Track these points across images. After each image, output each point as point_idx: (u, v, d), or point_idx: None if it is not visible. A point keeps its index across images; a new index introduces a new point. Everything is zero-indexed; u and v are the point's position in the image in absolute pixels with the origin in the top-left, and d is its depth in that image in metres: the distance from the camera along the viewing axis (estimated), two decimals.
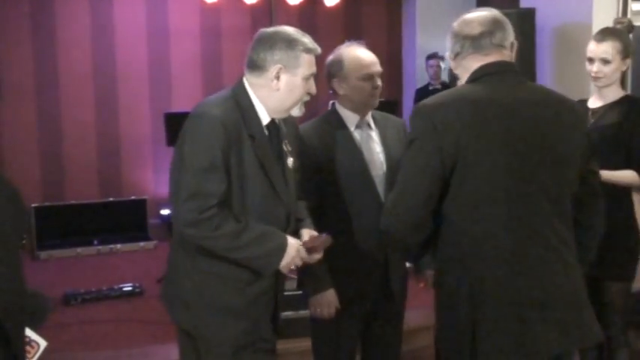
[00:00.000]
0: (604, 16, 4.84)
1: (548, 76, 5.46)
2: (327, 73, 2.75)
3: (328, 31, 7.67)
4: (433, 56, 7.17)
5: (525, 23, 5.42)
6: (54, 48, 6.82)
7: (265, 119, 2.33)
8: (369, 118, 2.80)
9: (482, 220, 1.98)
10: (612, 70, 3.04)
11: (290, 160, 2.42)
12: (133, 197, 6.87)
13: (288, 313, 3.91)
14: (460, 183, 1.98)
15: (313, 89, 2.35)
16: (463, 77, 2.18)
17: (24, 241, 2.24)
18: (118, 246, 6.47)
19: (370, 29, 7.95)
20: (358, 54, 2.71)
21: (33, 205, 6.37)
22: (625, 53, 3.01)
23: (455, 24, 2.19)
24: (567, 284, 2.04)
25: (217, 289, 2.31)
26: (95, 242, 6.50)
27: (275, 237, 2.28)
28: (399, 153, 2.76)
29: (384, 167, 2.76)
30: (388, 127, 2.86)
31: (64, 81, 6.87)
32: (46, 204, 6.55)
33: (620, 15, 4.78)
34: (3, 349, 1.70)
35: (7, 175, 6.01)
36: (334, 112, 2.80)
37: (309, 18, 7.55)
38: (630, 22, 3.49)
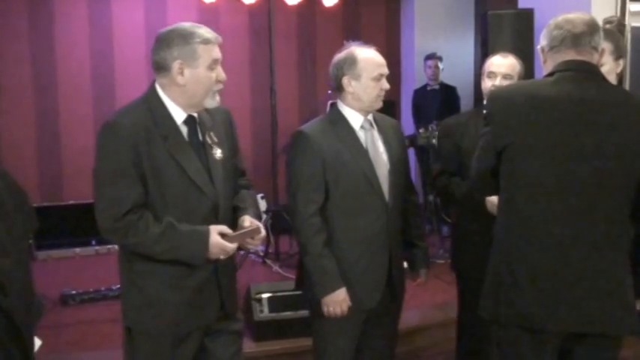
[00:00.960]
0: (602, 16, 4.84)
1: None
2: (334, 71, 2.77)
3: (327, 31, 7.70)
4: (431, 56, 7.15)
5: (523, 24, 5.43)
6: (52, 47, 6.82)
7: (180, 117, 2.40)
8: (370, 118, 2.83)
9: (531, 206, 2.17)
10: (606, 72, 3.01)
11: (217, 152, 2.46)
12: None
13: (286, 314, 3.92)
14: (504, 168, 2.22)
15: (222, 76, 2.41)
16: (548, 70, 2.31)
17: (30, 241, 2.27)
18: (116, 246, 6.41)
19: (368, 29, 7.97)
20: (372, 54, 2.75)
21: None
22: (617, 53, 2.94)
23: (557, 19, 2.30)
24: (603, 275, 2.16)
25: (154, 286, 2.39)
26: (93, 242, 6.49)
27: (196, 233, 2.32)
28: (399, 153, 2.87)
29: (388, 166, 2.79)
30: (387, 128, 2.90)
31: (62, 80, 6.87)
32: (44, 204, 6.54)
33: (618, 15, 4.78)
34: (16, 346, 1.71)
35: None
36: (338, 112, 2.81)
37: (308, 18, 7.57)
38: (620, 20, 3.44)
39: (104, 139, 2.32)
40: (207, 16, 7.03)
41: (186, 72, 2.35)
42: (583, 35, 2.23)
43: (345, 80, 2.74)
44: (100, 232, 2.34)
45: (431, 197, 6.21)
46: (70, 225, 6.58)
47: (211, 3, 6.58)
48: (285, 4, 6.54)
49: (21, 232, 1.51)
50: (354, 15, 7.94)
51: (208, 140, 2.46)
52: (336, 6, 6.97)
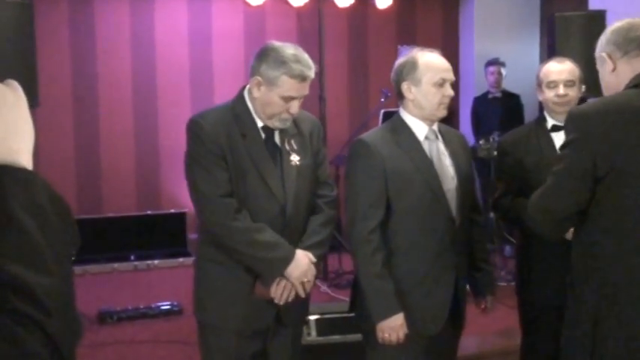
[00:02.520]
0: None
1: None
2: (395, 76, 2.77)
3: (379, 34, 7.68)
4: (494, 62, 7.11)
5: (594, 27, 5.31)
6: (93, 54, 6.97)
7: (260, 122, 2.67)
8: (435, 128, 2.81)
9: (626, 233, 2.08)
10: None
11: (295, 158, 2.69)
12: (172, 210, 6.96)
13: (336, 337, 3.89)
14: (607, 193, 2.09)
15: (293, 110, 2.61)
16: (619, 81, 2.22)
17: (73, 258, 2.34)
18: (156, 262, 6.53)
19: (425, 33, 7.95)
20: (434, 58, 2.74)
21: None
22: None
23: (618, 23, 2.27)
24: None
25: (219, 276, 2.69)
26: (132, 257, 6.58)
27: (282, 248, 2.62)
28: (466, 168, 2.83)
29: (455, 180, 2.76)
30: (452, 140, 2.86)
31: (103, 89, 7.01)
32: (82, 216, 6.65)
33: None
34: None
35: None
36: (400, 121, 2.79)
37: (360, 21, 7.58)
38: None
39: (190, 132, 2.64)
40: (254, 20, 7.10)
41: (262, 89, 2.60)
42: None
43: (404, 86, 2.73)
44: (200, 208, 2.63)
45: (492, 214, 6.11)
46: (108, 239, 6.69)
47: (258, 6, 6.64)
48: (336, 7, 6.56)
49: (65, 249, 1.51)
50: (409, 18, 7.92)
51: (287, 146, 2.69)
52: (389, 8, 6.96)
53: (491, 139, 5.91)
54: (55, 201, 1.40)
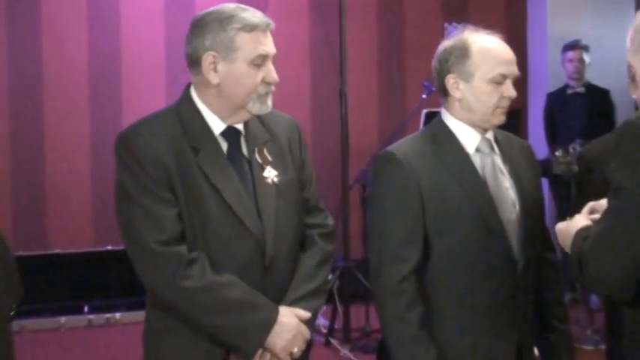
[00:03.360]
0: None
1: None
2: (437, 64, 2.75)
3: (420, 8, 7.71)
4: (573, 46, 7.11)
5: None
6: (37, 42, 7.00)
7: (218, 127, 2.58)
8: (491, 137, 2.79)
9: None
10: None
11: (271, 173, 2.60)
12: None
13: None
14: None
15: (272, 76, 2.53)
16: None
17: (13, 312, 2.39)
18: (117, 315, 6.51)
19: (480, 8, 7.99)
20: (492, 44, 2.70)
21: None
22: None
23: None
24: None
25: (174, 351, 2.58)
26: (86, 309, 6.56)
27: (260, 309, 2.53)
28: (532, 190, 2.80)
29: (517, 208, 2.73)
30: (514, 152, 2.84)
31: (49, 87, 7.05)
32: (21, 253, 6.56)
33: None
34: None
35: None
36: (442, 127, 2.78)
37: None
38: None
39: (120, 154, 2.54)
40: None
41: (221, 67, 2.49)
42: None
43: (450, 80, 2.71)
44: (138, 262, 2.53)
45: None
46: (55, 283, 6.65)
47: None
48: None
49: (4, 302, 1.52)
50: None
51: (258, 158, 2.59)
52: None
53: (571, 150, 5.87)
54: None
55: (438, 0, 7.82)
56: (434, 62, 2.76)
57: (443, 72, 2.72)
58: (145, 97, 7.11)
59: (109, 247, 6.85)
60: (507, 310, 2.68)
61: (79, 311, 6.54)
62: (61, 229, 7.00)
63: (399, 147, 2.74)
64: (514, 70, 2.70)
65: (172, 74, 7.23)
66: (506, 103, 2.69)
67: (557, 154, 6.00)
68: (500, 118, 2.71)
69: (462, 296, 2.66)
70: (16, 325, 6.15)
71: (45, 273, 6.63)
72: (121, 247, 7.14)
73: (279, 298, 2.60)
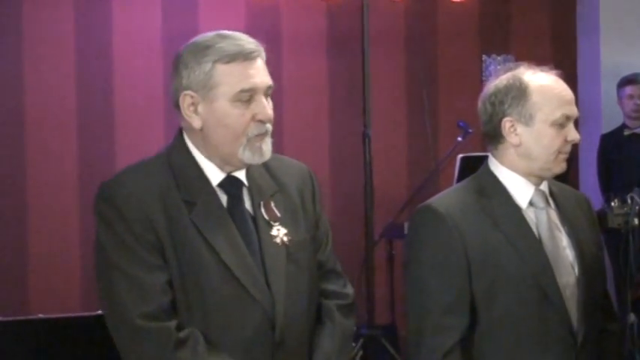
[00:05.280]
0: None
1: None
2: (489, 106, 2.77)
3: (455, 39, 7.72)
4: (633, 80, 7.12)
5: None
6: (18, 75, 6.99)
7: (216, 176, 2.54)
8: (545, 189, 2.82)
9: None
10: None
11: (279, 232, 2.54)
12: None
13: None
14: None
15: (264, 112, 2.47)
16: None
17: None
18: None
19: (523, 38, 8.05)
20: (552, 83, 2.74)
21: None
22: None
23: None
24: None
25: None
26: None
27: None
28: (593, 249, 2.85)
29: (576, 271, 2.74)
30: (570, 205, 2.87)
31: (32, 125, 7.02)
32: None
33: None
34: None
35: None
36: (490, 177, 2.80)
37: (424, 19, 7.69)
38: None
39: (101, 209, 2.51)
40: (262, 21, 7.11)
41: (201, 108, 2.48)
42: None
43: (506, 124, 2.73)
44: (120, 339, 2.51)
45: (632, 317, 5.99)
46: (37, 354, 6.63)
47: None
48: None
49: None
50: (499, 15, 8.01)
51: (264, 214, 2.55)
52: (470, 1, 6.95)
53: (629, 200, 5.82)
54: None
55: (475, 28, 7.84)
56: (482, 104, 2.79)
57: (497, 115, 2.74)
58: (140, 136, 7.11)
59: (100, 312, 6.79)
60: None
61: None
62: (45, 292, 6.98)
63: (442, 200, 2.77)
64: (575, 110, 2.75)
65: (172, 111, 7.23)
66: (569, 149, 2.75)
67: (612, 204, 5.96)
68: (562, 166, 2.77)
69: None
70: None
71: (27, 342, 6.59)
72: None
73: None
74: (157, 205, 2.43)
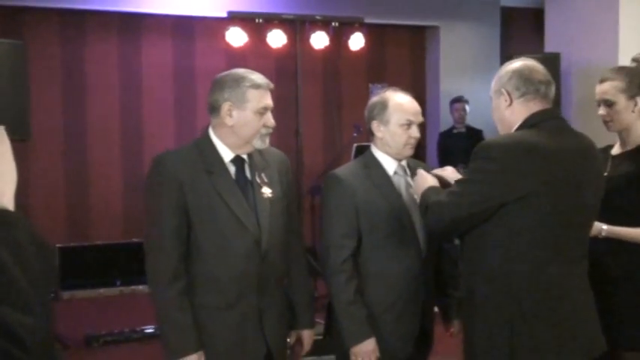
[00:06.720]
0: (630, 55, 4.77)
1: (572, 120, 5.39)
2: (367, 113, 2.76)
3: (352, 73, 7.74)
4: (459, 100, 7.18)
5: (549, 67, 5.39)
6: (83, 92, 6.96)
7: (228, 156, 2.50)
8: (404, 164, 2.79)
9: (530, 253, 2.15)
10: (618, 111, 2.74)
11: (267, 191, 2.52)
12: None
13: (311, 359, 3.84)
14: (512, 217, 2.13)
15: (270, 122, 2.49)
16: (514, 118, 2.32)
17: (52, 295, 2.28)
18: (141, 287, 6.44)
19: (393, 73, 8.01)
20: (404, 100, 2.72)
21: (57, 245, 6.40)
22: (631, 92, 2.70)
23: (520, 66, 2.35)
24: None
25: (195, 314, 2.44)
26: (117, 283, 6.50)
27: (183, 336, 2.42)
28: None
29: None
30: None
31: (92, 123, 7.02)
32: (71, 244, 6.57)
33: None
34: None
35: (34, 214, 5.99)
36: (371, 156, 2.78)
37: (333, 61, 7.61)
38: None
39: (150, 174, 2.46)
40: (235, 60, 7.05)
41: (235, 114, 2.44)
42: (547, 85, 2.31)
43: (374, 124, 2.73)
44: (146, 251, 2.44)
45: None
46: (95, 265, 6.61)
47: (239, 47, 6.65)
48: (312, 48, 6.59)
49: (46, 289, 1.48)
50: (378, 58, 7.97)
51: (257, 180, 2.53)
52: (361, 50, 7.01)
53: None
54: (37, 243, 1.38)
55: (364, 67, 7.83)
56: (365, 112, 2.77)
57: (370, 119, 2.74)
58: (158, 138, 7.13)
59: (134, 240, 6.78)
60: (415, 283, 2.68)
61: (112, 284, 6.49)
62: (100, 227, 6.99)
63: (341, 170, 2.74)
64: (419, 118, 2.72)
65: (178, 122, 7.23)
66: (412, 142, 2.71)
67: None
68: (409, 152, 2.73)
69: (385, 272, 2.67)
70: (68, 294, 6.14)
71: (89, 258, 6.60)
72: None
73: (273, 280, 2.55)
74: (186, 171, 2.41)
